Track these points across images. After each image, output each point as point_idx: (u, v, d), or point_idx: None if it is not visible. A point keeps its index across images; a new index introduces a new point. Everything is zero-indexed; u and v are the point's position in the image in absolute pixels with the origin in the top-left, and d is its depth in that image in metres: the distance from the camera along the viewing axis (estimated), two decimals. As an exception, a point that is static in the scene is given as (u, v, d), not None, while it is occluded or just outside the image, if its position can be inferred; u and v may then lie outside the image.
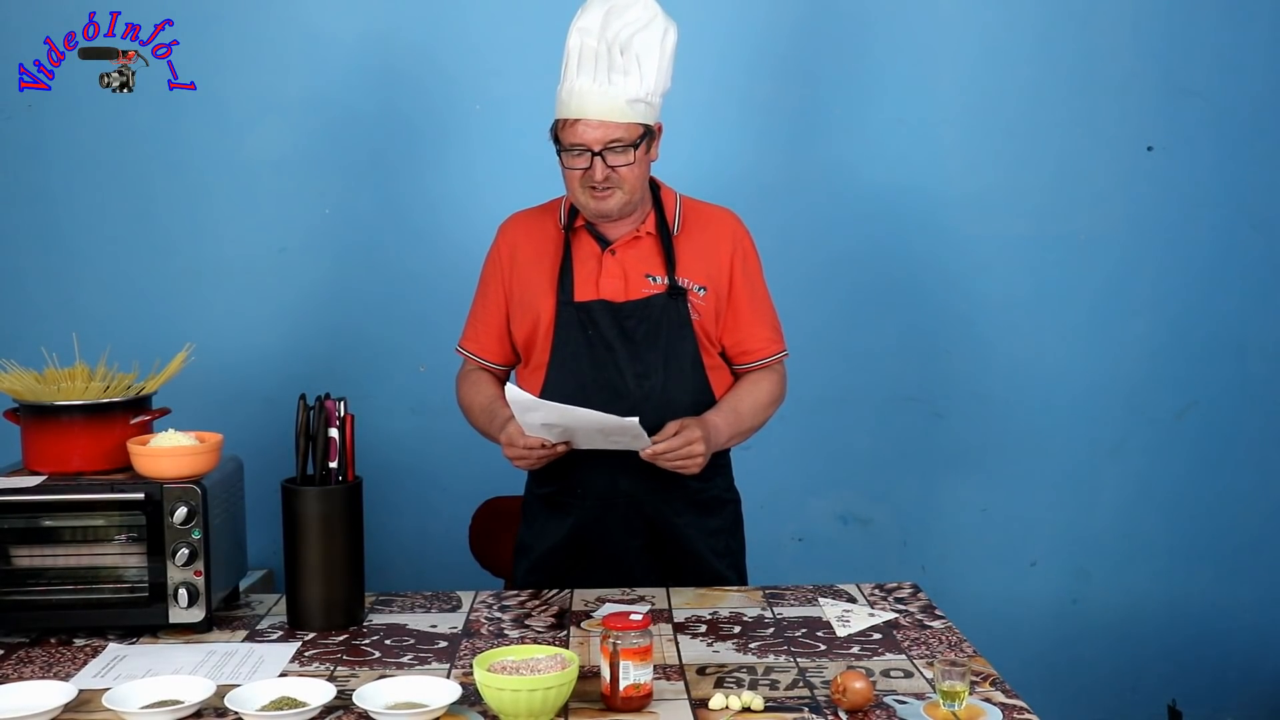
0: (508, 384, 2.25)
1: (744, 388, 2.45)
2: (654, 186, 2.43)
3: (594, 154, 2.25)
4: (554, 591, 2.33)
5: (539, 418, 2.20)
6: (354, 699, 1.75)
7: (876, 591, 2.32)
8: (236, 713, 1.72)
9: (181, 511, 2.06)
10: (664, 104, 2.35)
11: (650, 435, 2.21)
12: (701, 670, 1.92)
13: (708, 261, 2.40)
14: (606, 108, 2.25)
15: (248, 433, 2.80)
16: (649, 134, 2.31)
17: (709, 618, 2.18)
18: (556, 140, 2.32)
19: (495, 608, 2.25)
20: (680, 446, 2.23)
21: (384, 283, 3.24)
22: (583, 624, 2.14)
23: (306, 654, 2.01)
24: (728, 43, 3.21)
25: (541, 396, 2.31)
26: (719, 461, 2.45)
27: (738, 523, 2.53)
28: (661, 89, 2.32)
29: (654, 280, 2.37)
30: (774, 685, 1.85)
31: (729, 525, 2.50)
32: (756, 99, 3.25)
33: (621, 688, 1.75)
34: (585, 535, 2.42)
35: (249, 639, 2.09)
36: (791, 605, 2.25)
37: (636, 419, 2.16)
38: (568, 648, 2.00)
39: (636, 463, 2.29)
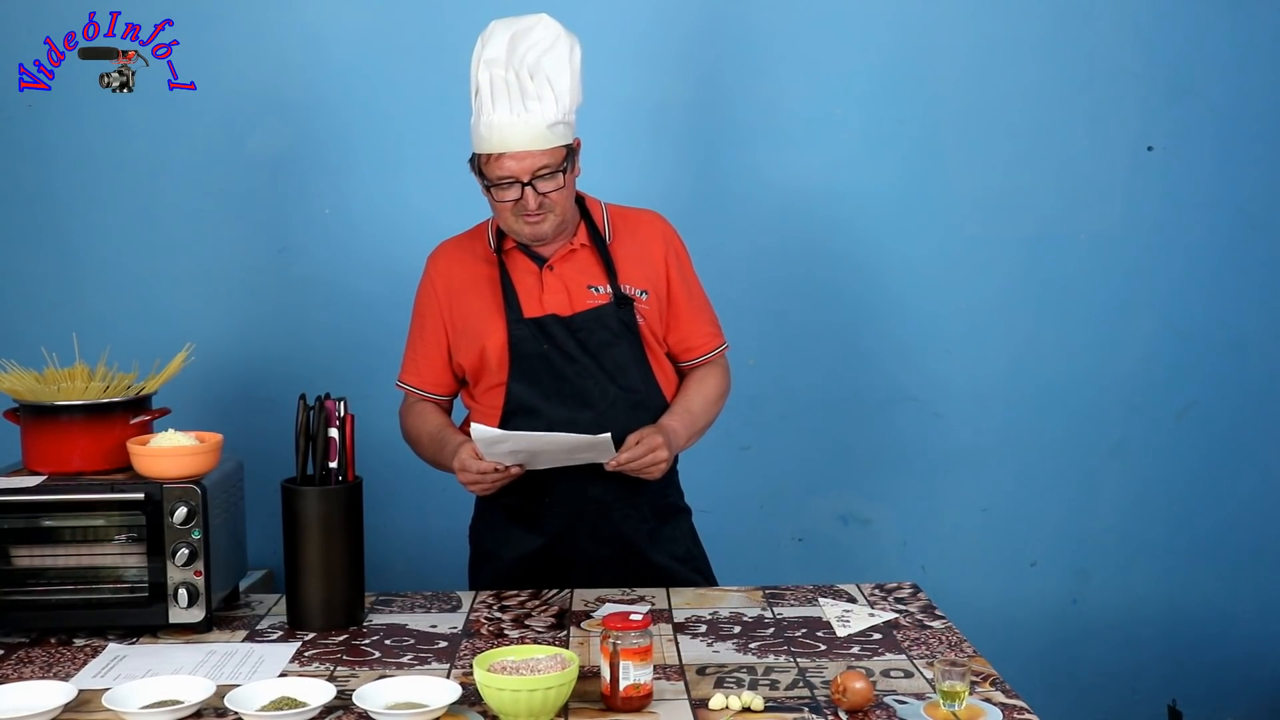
0: (472, 423, 2.23)
1: (692, 387, 2.46)
2: (578, 198, 2.41)
3: (523, 184, 2.24)
4: (554, 591, 2.33)
5: (506, 448, 2.20)
6: (354, 699, 1.75)
7: (876, 591, 2.32)
8: (236, 713, 1.72)
9: (181, 511, 2.06)
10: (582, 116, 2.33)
11: (614, 446, 2.22)
12: (701, 670, 1.92)
13: (644, 265, 2.41)
14: (529, 137, 2.22)
15: (248, 433, 2.80)
16: (571, 153, 2.29)
17: (709, 618, 2.18)
18: (479, 172, 2.28)
19: (495, 608, 2.25)
20: (644, 454, 2.25)
21: (384, 283, 3.24)
22: (583, 624, 2.14)
23: (306, 654, 2.01)
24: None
25: (504, 413, 2.33)
26: (670, 470, 2.44)
27: (694, 532, 2.53)
28: (575, 106, 2.29)
29: (596, 290, 2.37)
30: (774, 685, 1.85)
31: (687, 533, 2.51)
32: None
33: (621, 688, 1.75)
34: (554, 547, 2.41)
35: (249, 639, 2.09)
36: (791, 605, 2.25)
37: (609, 434, 2.18)
38: (568, 648, 2.00)
39: (601, 470, 2.29)
